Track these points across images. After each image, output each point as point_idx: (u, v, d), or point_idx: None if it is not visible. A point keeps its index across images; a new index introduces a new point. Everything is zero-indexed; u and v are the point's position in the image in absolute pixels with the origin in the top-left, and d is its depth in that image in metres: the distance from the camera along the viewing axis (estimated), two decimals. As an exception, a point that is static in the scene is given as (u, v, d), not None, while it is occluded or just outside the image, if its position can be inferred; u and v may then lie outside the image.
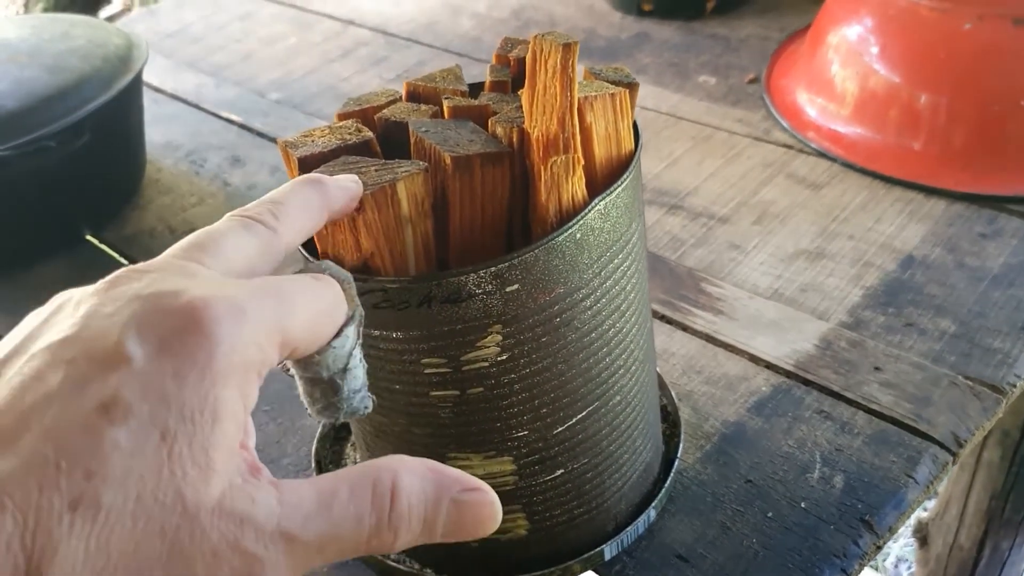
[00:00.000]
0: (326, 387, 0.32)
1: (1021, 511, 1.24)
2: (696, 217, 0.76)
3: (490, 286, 0.40)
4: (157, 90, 1.06)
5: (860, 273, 0.68)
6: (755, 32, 1.02)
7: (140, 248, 0.81)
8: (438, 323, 0.41)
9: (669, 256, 0.72)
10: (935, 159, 0.78)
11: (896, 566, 1.65)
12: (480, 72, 1.01)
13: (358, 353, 0.32)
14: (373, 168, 0.40)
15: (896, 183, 0.77)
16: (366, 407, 0.33)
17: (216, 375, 0.24)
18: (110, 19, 3.05)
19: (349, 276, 0.33)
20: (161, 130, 0.97)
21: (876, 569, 1.64)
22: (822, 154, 0.82)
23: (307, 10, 1.21)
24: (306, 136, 0.44)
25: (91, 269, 0.79)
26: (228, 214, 0.31)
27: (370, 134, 0.43)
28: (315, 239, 0.42)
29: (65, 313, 0.25)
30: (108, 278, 0.26)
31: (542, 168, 0.40)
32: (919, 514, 1.44)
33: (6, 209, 0.76)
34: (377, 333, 0.42)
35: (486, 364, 0.42)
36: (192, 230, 0.82)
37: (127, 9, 3.10)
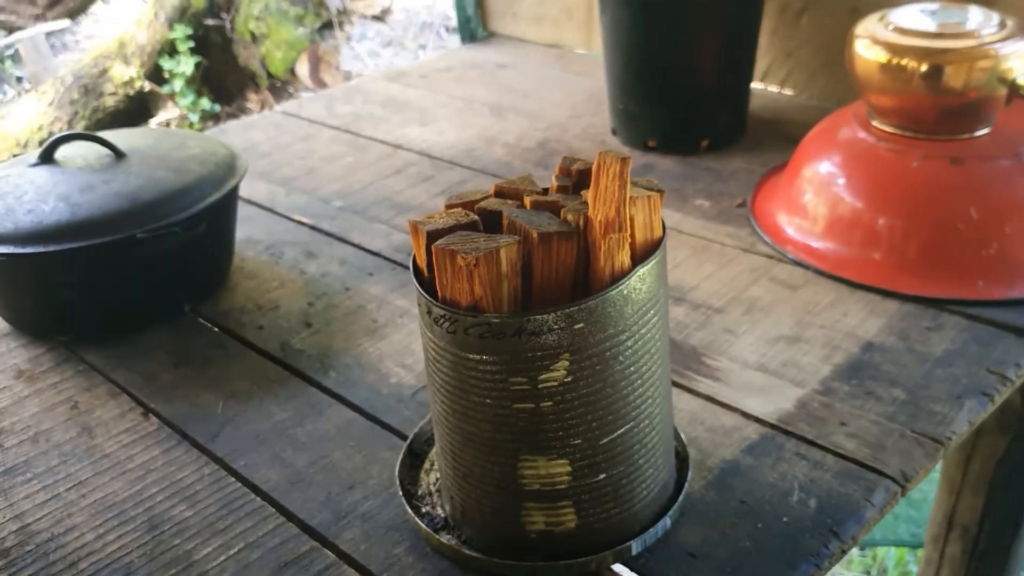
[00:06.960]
0: None
1: (984, 604, 1.35)
2: (697, 307, 0.93)
3: (563, 323, 0.56)
4: (233, 196, 1.24)
5: (829, 354, 0.85)
6: (742, 166, 1.22)
7: (234, 321, 0.97)
8: (524, 350, 0.57)
9: (676, 336, 0.89)
10: (891, 268, 0.96)
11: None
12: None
13: None
14: (482, 239, 0.57)
15: (859, 287, 0.95)
16: None
17: None
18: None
19: None
20: (241, 228, 1.14)
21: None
22: (798, 263, 1.00)
23: (360, 135, 1.41)
24: (429, 218, 0.61)
25: (191, 339, 0.94)
26: None
27: (476, 217, 0.61)
28: (437, 286, 0.58)
29: None
30: None
31: (601, 242, 0.57)
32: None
33: (133, 281, 0.92)
34: (477, 357, 0.58)
35: (556, 384, 0.58)
36: (277, 308, 0.98)
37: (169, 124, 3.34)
